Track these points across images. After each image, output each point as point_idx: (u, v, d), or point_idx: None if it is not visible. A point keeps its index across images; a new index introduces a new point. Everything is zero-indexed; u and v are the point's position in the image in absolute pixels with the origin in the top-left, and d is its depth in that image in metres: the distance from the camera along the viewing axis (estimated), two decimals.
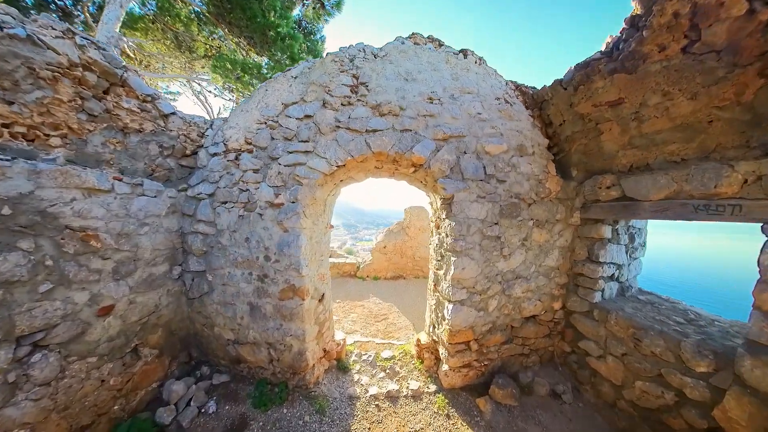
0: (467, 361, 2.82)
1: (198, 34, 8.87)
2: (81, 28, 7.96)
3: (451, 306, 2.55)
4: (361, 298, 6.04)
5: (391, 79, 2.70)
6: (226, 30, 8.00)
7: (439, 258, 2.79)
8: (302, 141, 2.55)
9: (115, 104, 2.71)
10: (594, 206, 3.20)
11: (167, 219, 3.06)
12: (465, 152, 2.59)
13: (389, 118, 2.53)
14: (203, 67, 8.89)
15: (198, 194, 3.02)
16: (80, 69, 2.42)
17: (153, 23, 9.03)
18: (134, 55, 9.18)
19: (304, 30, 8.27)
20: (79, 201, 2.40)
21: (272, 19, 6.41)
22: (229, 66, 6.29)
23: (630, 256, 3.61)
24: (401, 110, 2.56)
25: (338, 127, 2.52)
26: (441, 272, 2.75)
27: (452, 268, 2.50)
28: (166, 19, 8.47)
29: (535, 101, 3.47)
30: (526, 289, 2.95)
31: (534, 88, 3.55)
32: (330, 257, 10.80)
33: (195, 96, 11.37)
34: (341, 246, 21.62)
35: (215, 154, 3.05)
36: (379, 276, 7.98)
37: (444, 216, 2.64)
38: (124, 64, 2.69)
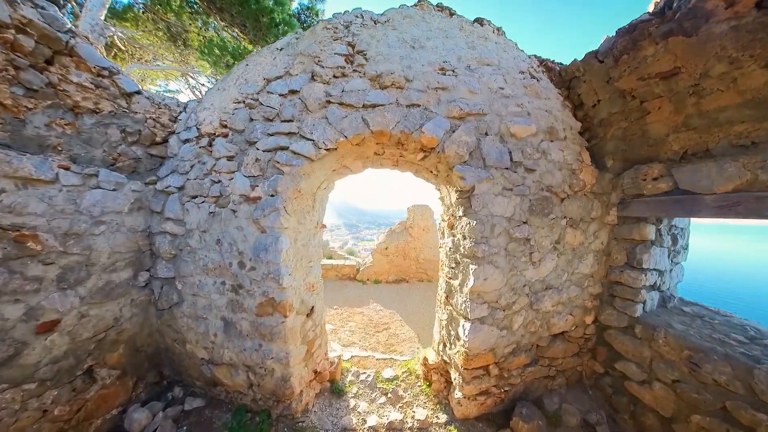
0: (485, 387, 2.34)
1: (190, 25, 8.44)
2: (70, 19, 7.58)
3: (468, 325, 2.06)
4: (360, 303, 5.57)
5: (395, 46, 2.23)
6: (218, 17, 7.56)
7: (453, 265, 2.31)
8: (285, 121, 2.08)
9: (61, 77, 2.25)
10: (635, 202, 2.70)
11: (131, 216, 2.60)
12: (486, 133, 2.11)
13: (392, 91, 2.05)
14: (197, 60, 8.47)
15: (167, 188, 2.56)
16: (12, 31, 1.97)
17: (143, 13, 8.62)
18: (125, 47, 8.78)
19: (299, 17, 7.81)
20: (11, 193, 1.95)
21: (266, 3, 5.97)
22: (217, 52, 5.84)
23: (672, 261, 3.09)
24: (407, 82, 2.08)
25: (329, 102, 2.04)
26: (455, 282, 2.27)
27: (471, 278, 2.03)
28: (156, 8, 8.06)
29: (563, 79, 2.97)
30: (557, 302, 2.45)
31: (560, 63, 3.06)
32: (329, 258, 10.31)
33: (191, 91, 10.97)
34: (342, 246, 21.19)
35: (187, 141, 2.59)
36: (381, 279, 7.50)
37: (461, 213, 2.17)
38: (70, 27, 2.23)
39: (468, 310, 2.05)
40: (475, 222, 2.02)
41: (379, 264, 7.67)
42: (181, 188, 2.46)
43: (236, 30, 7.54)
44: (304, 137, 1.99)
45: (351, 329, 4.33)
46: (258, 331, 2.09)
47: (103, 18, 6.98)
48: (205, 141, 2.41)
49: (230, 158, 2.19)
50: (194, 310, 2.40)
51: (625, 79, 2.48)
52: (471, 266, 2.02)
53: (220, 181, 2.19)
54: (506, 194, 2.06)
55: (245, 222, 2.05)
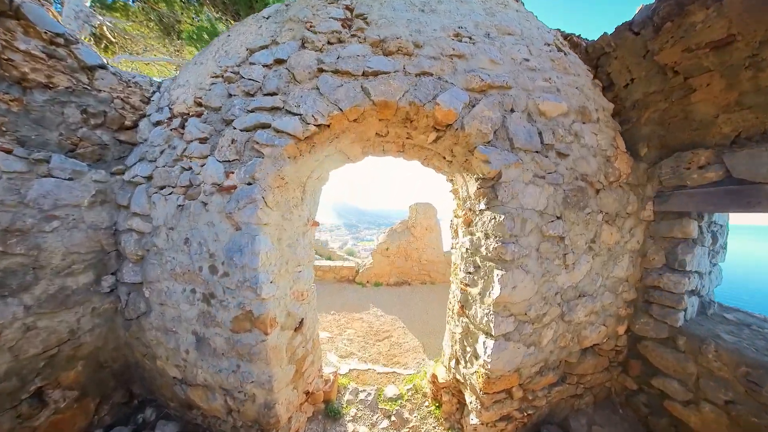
0: (507, 412, 1.98)
1: (183, 14, 8.09)
2: (58, 9, 7.21)
3: (491, 342, 1.69)
4: (359, 308, 5.19)
5: (401, 9, 1.88)
6: (211, 6, 7.22)
7: (472, 270, 1.94)
8: (268, 94, 1.72)
9: (5, 44, 1.89)
10: (677, 194, 2.35)
11: (92, 211, 2.23)
12: (512, 110, 1.75)
13: (398, 57, 1.69)
14: (187, 46, 8.10)
15: (133, 177, 2.19)
16: None
17: (134, 2, 8.27)
18: (115, 38, 8.40)
19: None
20: None
21: None
22: (206, 37, 5.48)
23: (710, 262, 2.74)
24: (416, 48, 1.73)
25: (321, 70, 1.69)
26: (474, 291, 1.91)
27: (496, 286, 1.67)
28: None
29: (589, 56, 2.63)
30: (590, 311, 2.10)
31: (586, 39, 2.72)
32: (328, 259, 9.93)
33: None
34: (342, 246, 20.79)
35: (158, 123, 2.22)
36: (381, 281, 7.13)
37: (483, 206, 1.81)
38: None
39: (491, 325, 1.68)
40: (502, 216, 1.65)
41: (380, 265, 7.30)
42: (148, 178, 2.09)
43: (229, 18, 7.19)
44: (289, 112, 1.63)
45: (349, 337, 3.96)
46: (235, 350, 1.72)
47: (88, 4, 6.61)
48: (177, 122, 2.05)
49: (203, 140, 1.83)
50: (163, 321, 2.04)
51: (666, 51, 2.14)
52: (496, 271, 1.65)
53: (190, 168, 1.83)
54: (538, 183, 1.70)
55: (217, 217, 1.68)
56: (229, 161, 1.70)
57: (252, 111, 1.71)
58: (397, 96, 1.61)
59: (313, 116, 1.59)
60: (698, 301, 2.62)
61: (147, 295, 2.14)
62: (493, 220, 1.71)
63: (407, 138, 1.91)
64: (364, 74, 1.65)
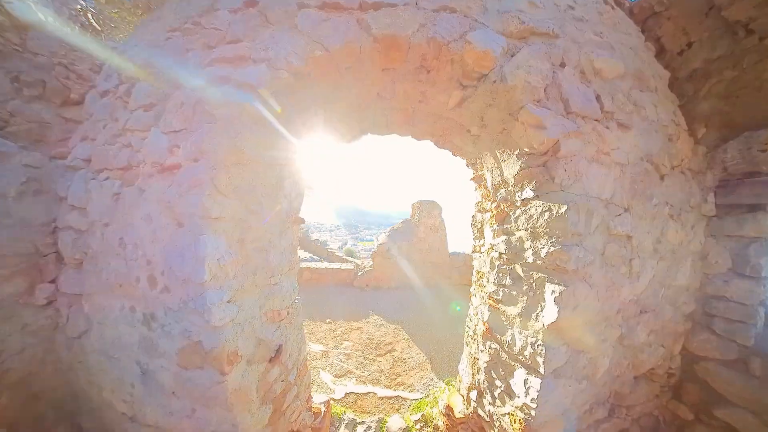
0: None
1: None
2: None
3: (536, 382, 1.23)
4: (358, 316, 4.73)
5: None
6: None
7: (508, 282, 1.48)
8: (231, 42, 1.27)
9: None
10: (747, 183, 1.93)
11: (22, 204, 1.78)
12: (563, 64, 1.31)
13: None
14: None
15: (73, 161, 1.75)
16: None
17: None
18: (100, 26, 7.97)
19: None
20: None
21: None
22: None
23: None
24: None
25: (303, 5, 1.24)
26: (511, 311, 1.45)
27: (550, 306, 1.22)
28: None
29: (635, 18, 2.20)
30: (651, 330, 1.65)
31: None
32: (323, 261, 9.48)
33: None
34: (341, 247, 20.33)
35: (105, 93, 1.78)
36: (381, 285, 6.67)
37: (530, 193, 1.33)
38: None
39: (538, 359, 1.22)
40: (563, 207, 1.17)
41: (380, 268, 6.85)
42: (88, 161, 1.64)
43: None
44: (254, 61, 1.17)
45: (346, 351, 3.50)
46: (186, 390, 1.27)
47: None
48: (124, 89, 1.61)
49: (148, 108, 1.39)
50: (102, 344, 1.58)
51: (738, 5, 1.72)
52: (549, 286, 1.18)
53: (130, 145, 1.39)
54: (603, 161, 1.24)
55: (156, 208, 1.23)
56: (175, 131, 1.25)
57: (209, 65, 1.27)
58: (409, 30, 1.14)
59: (285, 59, 1.13)
60: (764, 312, 2.19)
61: (87, 310, 1.68)
62: (547, 213, 1.24)
63: (420, 101, 1.46)
64: (361, 7, 1.19)
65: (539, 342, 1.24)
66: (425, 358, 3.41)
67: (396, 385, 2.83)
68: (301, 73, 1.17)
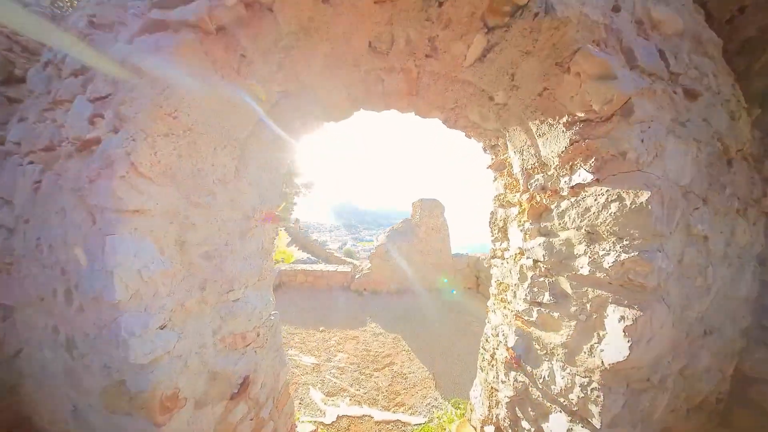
0: None
1: None
2: None
3: None
4: (354, 323, 4.40)
5: None
6: None
7: (547, 299, 1.14)
8: None
9: None
10: None
11: None
12: (617, 8, 0.99)
13: None
14: None
15: (7, 145, 1.45)
16: None
17: None
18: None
19: None
20: None
21: None
22: None
23: None
24: None
25: None
26: (552, 338, 1.11)
27: (616, 338, 0.86)
28: None
29: None
30: (711, 353, 1.33)
31: None
32: (321, 262, 9.15)
33: None
34: (340, 247, 20.01)
35: (47, 64, 1.48)
36: (380, 289, 6.35)
37: (587, 175, 0.97)
38: None
39: (593, 408, 0.87)
40: (645, 195, 0.81)
41: (379, 270, 6.52)
42: (18, 143, 1.34)
43: None
44: None
45: (340, 365, 3.17)
46: None
47: None
48: (61, 55, 1.31)
49: (78, 73, 1.09)
50: (32, 369, 1.27)
51: None
52: (616, 309, 0.83)
53: (55, 120, 1.09)
54: (679, 133, 0.92)
55: (70, 198, 0.92)
56: (102, 98, 0.95)
57: (149, 9, 0.98)
58: None
59: None
60: None
61: (18, 325, 1.37)
62: (615, 204, 0.87)
63: (428, 56, 1.13)
64: None
65: (595, 385, 0.91)
66: (428, 373, 3.08)
67: (395, 406, 2.50)
68: (256, 1, 0.86)
